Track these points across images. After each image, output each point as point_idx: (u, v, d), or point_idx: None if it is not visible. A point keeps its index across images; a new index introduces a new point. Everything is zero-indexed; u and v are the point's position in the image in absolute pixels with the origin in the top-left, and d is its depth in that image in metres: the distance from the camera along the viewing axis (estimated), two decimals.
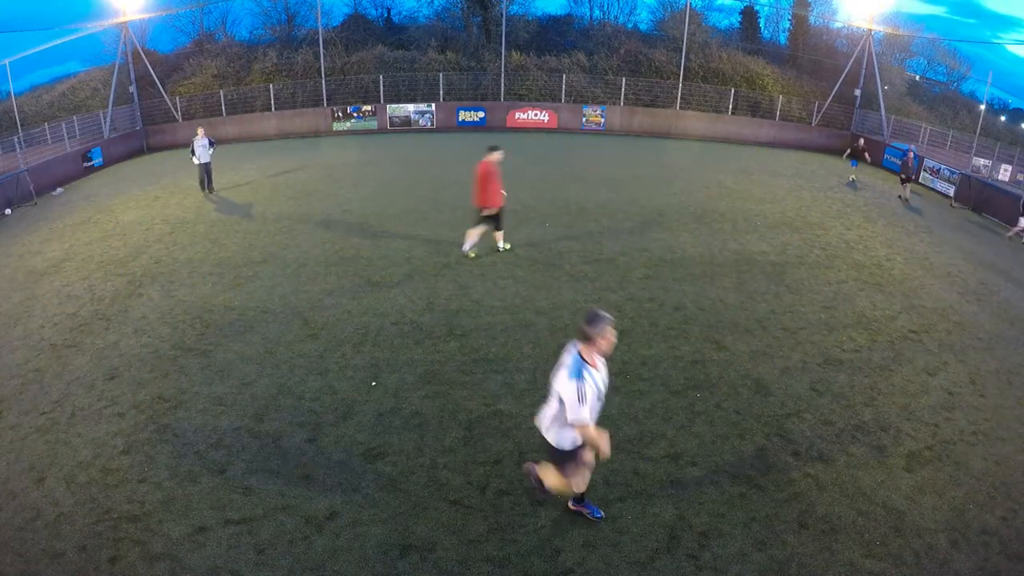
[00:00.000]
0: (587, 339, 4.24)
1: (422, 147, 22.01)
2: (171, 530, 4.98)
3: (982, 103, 29.62)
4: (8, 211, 15.37)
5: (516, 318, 8.64)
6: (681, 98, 27.00)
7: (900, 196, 17.28)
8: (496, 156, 10.21)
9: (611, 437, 6.17)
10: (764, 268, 10.88)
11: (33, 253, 11.70)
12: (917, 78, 36.10)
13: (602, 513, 5.15)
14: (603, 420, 6.46)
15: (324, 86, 26.16)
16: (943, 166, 19.86)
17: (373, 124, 25.83)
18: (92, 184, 18.26)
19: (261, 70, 27.13)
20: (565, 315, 8.75)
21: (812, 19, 31.78)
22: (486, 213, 10.36)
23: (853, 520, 5.23)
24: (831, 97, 26.12)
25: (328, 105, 26.06)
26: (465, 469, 5.72)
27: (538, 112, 26.61)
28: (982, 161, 20.35)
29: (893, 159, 22.64)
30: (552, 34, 31.17)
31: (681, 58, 26.86)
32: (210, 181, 15.70)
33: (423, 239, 11.68)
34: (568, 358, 4.32)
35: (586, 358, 4.28)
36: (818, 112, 26.48)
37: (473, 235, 10.66)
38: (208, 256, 11.04)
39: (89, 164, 20.06)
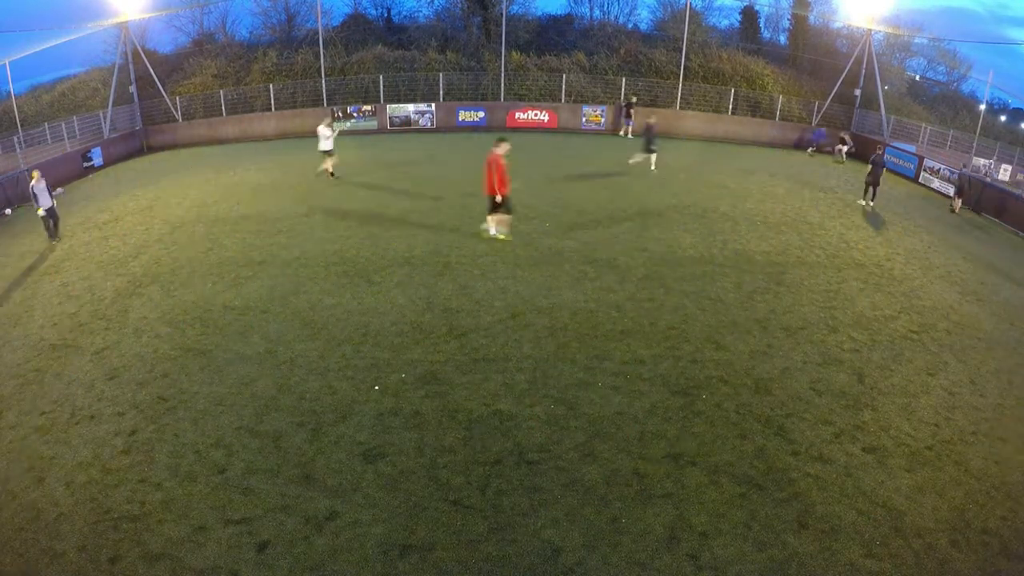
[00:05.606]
0: None
1: (422, 147, 22.01)
2: (171, 530, 4.99)
3: (982, 103, 29.59)
4: (8, 211, 15.36)
5: (516, 318, 8.64)
6: (681, 98, 26.99)
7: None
8: (503, 148, 10.92)
9: (611, 437, 6.20)
10: (764, 268, 10.88)
11: (33, 253, 11.70)
12: (917, 78, 36.05)
13: None
14: (603, 420, 6.49)
15: (324, 86, 26.15)
16: (943, 166, 19.85)
17: (373, 124, 25.82)
18: (92, 184, 18.26)
19: (261, 70, 27.08)
20: (565, 315, 8.75)
21: (812, 19, 31.77)
22: (496, 199, 11.14)
23: (853, 520, 5.23)
24: (831, 97, 26.11)
25: (328, 105, 26.04)
26: (465, 469, 5.72)
27: (538, 112, 26.58)
28: (982, 161, 20.34)
29: (894, 159, 22.62)
30: (552, 34, 31.10)
31: (681, 58, 26.85)
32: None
33: (423, 239, 11.67)
34: None
35: None
36: (818, 112, 26.46)
37: (492, 220, 11.60)
38: (208, 256, 11.03)
39: (89, 164, 20.05)
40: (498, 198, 11.05)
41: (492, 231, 11.66)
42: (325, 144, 16.11)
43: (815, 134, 24.99)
